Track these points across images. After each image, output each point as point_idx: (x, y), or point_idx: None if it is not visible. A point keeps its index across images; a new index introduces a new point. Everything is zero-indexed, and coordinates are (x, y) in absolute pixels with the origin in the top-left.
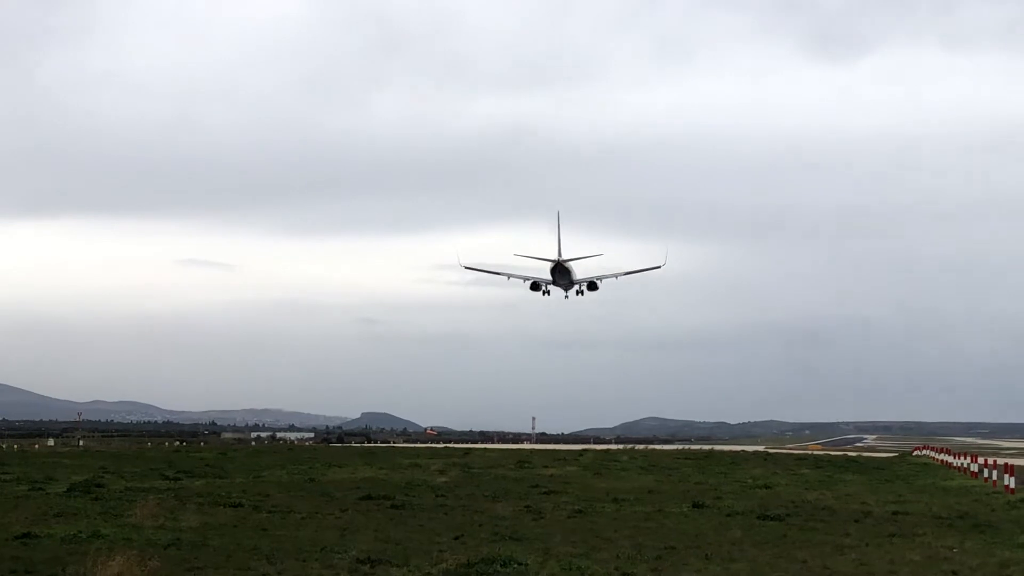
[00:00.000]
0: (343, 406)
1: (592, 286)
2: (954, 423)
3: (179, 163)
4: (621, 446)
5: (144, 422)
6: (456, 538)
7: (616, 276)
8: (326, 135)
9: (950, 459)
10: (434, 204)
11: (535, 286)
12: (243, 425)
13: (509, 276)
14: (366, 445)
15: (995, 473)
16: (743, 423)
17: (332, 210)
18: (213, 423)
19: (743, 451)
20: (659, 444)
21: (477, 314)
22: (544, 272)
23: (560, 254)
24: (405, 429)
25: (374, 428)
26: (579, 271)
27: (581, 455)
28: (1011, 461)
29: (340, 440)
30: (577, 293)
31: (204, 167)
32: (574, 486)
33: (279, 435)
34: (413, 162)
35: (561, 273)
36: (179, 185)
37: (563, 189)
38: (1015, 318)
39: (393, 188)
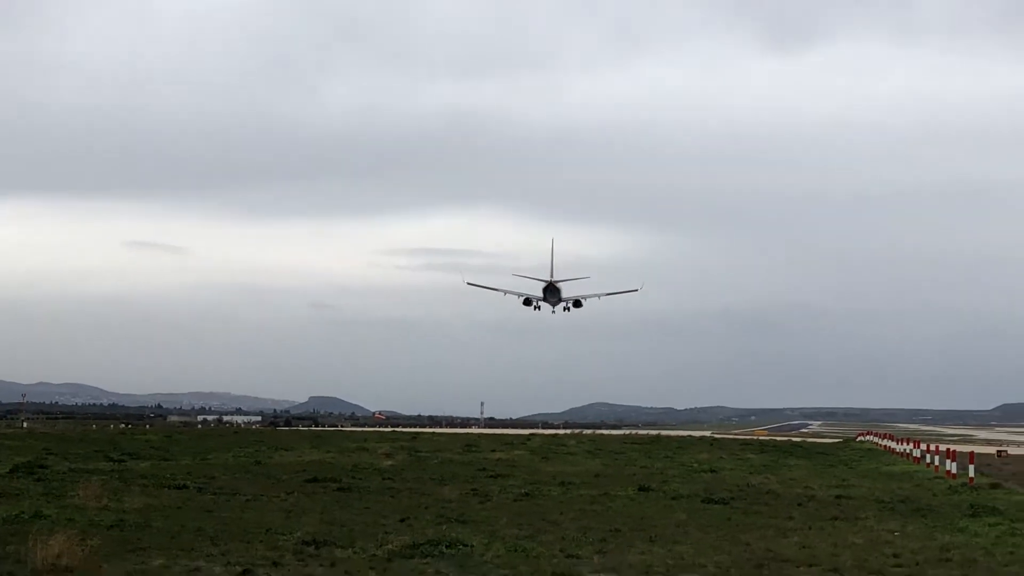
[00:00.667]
0: (291, 390)
1: (577, 304)
2: (898, 410)
3: (129, 146)
4: (569, 431)
5: (89, 404)
6: (402, 520)
7: (599, 296)
8: (278, 119)
9: (893, 445)
10: (386, 189)
11: (527, 302)
12: (189, 408)
13: (506, 293)
14: (313, 429)
15: (937, 459)
16: (690, 409)
17: (283, 194)
18: (159, 406)
19: (690, 436)
20: (606, 429)
21: (427, 299)
22: (537, 290)
23: (552, 275)
24: (353, 413)
25: (322, 412)
26: (567, 291)
27: (529, 439)
28: (953, 447)
29: (287, 424)
30: (564, 309)
31: (154, 150)
32: (521, 470)
33: (226, 418)
34: (365, 147)
35: (552, 292)
36: (128, 167)
37: (516, 175)
38: (960, 307)
39: (345, 172)
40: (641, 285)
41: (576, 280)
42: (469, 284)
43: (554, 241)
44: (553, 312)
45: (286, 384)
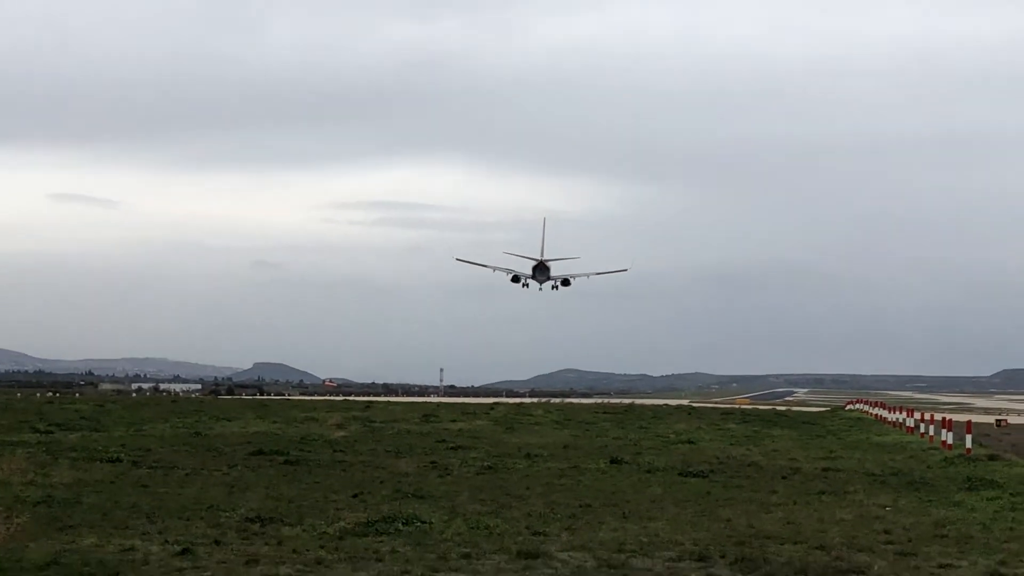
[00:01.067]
0: (233, 356)
1: (566, 282)
2: (890, 376)
3: (53, 90)
4: (535, 399)
5: (13, 372)
6: (355, 496)
7: (588, 276)
8: (217, 62)
9: (884, 413)
10: (336, 137)
11: (515, 279)
12: (123, 375)
13: (495, 269)
14: (258, 397)
15: (932, 428)
16: (666, 376)
17: (223, 143)
18: (90, 373)
19: (665, 405)
20: (576, 397)
21: (382, 257)
22: (526, 268)
23: (543, 255)
24: (301, 381)
25: (267, 380)
26: (556, 270)
27: (492, 409)
28: (949, 416)
29: (230, 392)
30: (552, 287)
31: (82, 95)
32: (484, 441)
33: (163, 386)
34: (313, 92)
35: (541, 271)
36: (53, 114)
37: (477, 122)
38: (959, 266)
39: (291, 119)
40: (630, 265)
41: (566, 260)
42: (459, 260)
43: (545, 221)
44: (540, 289)
45: (228, 349)
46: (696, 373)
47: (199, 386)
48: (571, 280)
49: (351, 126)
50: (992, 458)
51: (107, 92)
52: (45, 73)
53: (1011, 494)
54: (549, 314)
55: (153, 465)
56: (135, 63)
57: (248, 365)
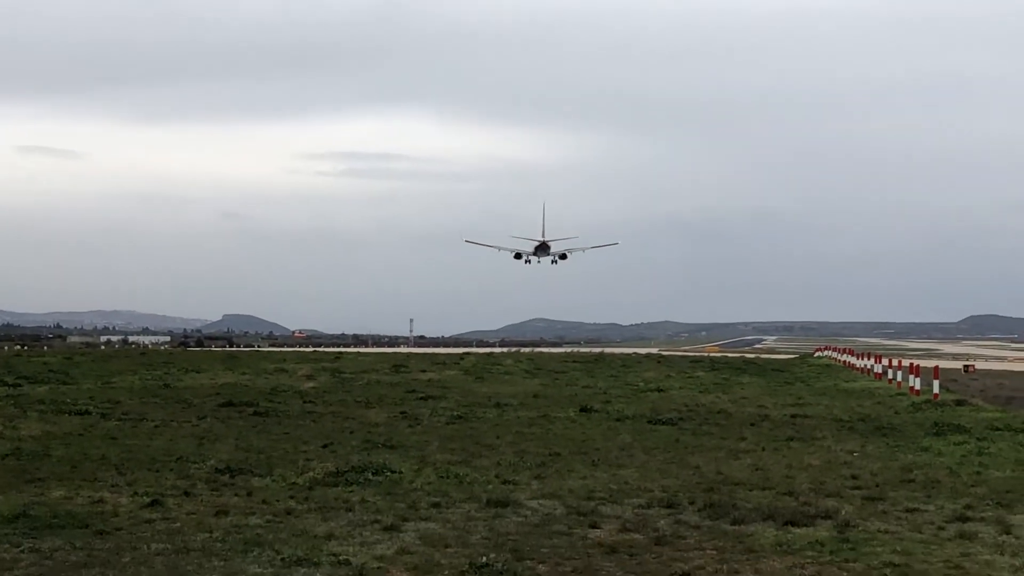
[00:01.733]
0: (203, 308)
1: (563, 256)
2: (859, 323)
3: (19, 42)
4: (505, 349)
5: None
6: (324, 446)
7: (584, 250)
8: (184, 12)
9: (853, 360)
10: (303, 88)
11: (518, 256)
12: (91, 328)
13: (500, 249)
14: (228, 349)
15: (900, 374)
16: (635, 324)
17: (191, 94)
18: (58, 326)
19: (635, 353)
20: (546, 347)
21: (351, 208)
22: (529, 247)
23: (544, 235)
24: (271, 332)
25: (237, 331)
26: (555, 247)
27: (462, 359)
28: (917, 362)
29: (199, 344)
30: (552, 262)
31: (49, 47)
32: (454, 391)
33: (132, 339)
34: (281, 41)
35: (543, 249)
36: (18, 65)
37: (447, 73)
38: (928, 212)
39: (258, 70)
40: (617, 241)
41: (564, 240)
42: (467, 242)
43: (545, 205)
44: (539, 262)
45: (197, 301)
46: (665, 322)
47: (168, 338)
48: (568, 254)
49: (318, 77)
50: (959, 403)
51: (73, 44)
52: (11, 26)
53: (978, 439)
54: (517, 265)
55: (122, 417)
56: (102, 15)
57: (217, 317)
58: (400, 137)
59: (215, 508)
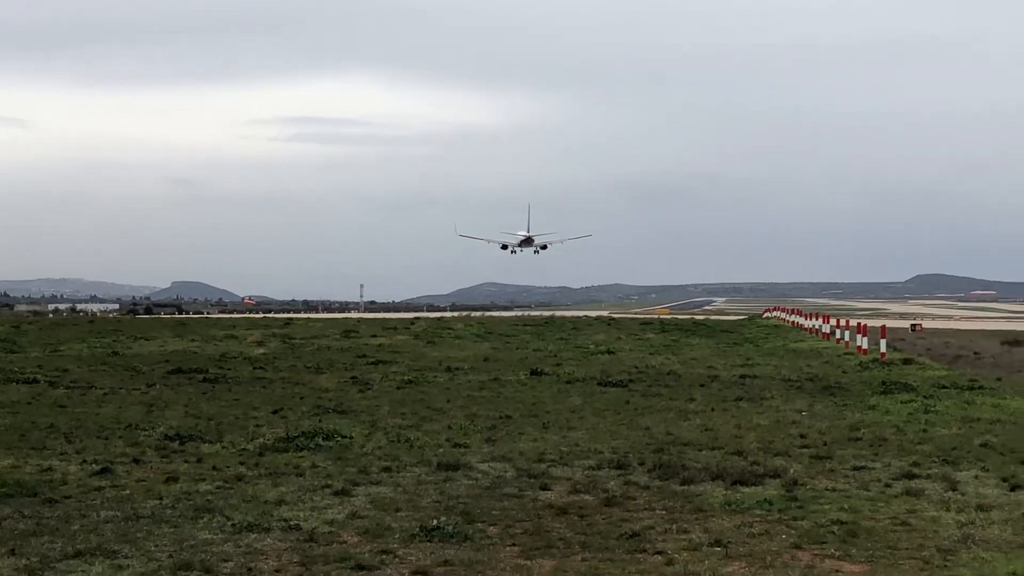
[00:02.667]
0: (152, 275)
1: (544, 247)
2: (807, 283)
3: None
4: (456, 313)
5: None
6: (275, 412)
7: (562, 241)
8: None
9: (801, 320)
10: (252, 52)
11: (504, 247)
12: (39, 296)
13: (489, 241)
14: (177, 316)
15: (847, 334)
16: (586, 287)
17: (138, 58)
18: (4, 294)
19: (585, 316)
20: (497, 311)
21: (301, 173)
22: (515, 240)
23: (529, 230)
24: (221, 299)
25: (186, 299)
26: (537, 240)
27: (413, 323)
28: (865, 322)
29: (148, 311)
30: (534, 252)
31: None
32: (404, 356)
33: (80, 307)
34: (228, 5)
35: (527, 242)
36: None
37: (395, 37)
38: (874, 173)
39: (206, 35)
40: (591, 233)
41: (546, 235)
42: (461, 236)
43: (529, 207)
44: (522, 252)
45: (146, 269)
46: (615, 284)
47: (117, 306)
48: (548, 245)
49: (267, 41)
50: (906, 362)
51: (16, 8)
52: None
53: (924, 397)
54: (467, 229)
55: (71, 385)
56: None
57: (166, 284)
58: (350, 101)
59: (165, 475)
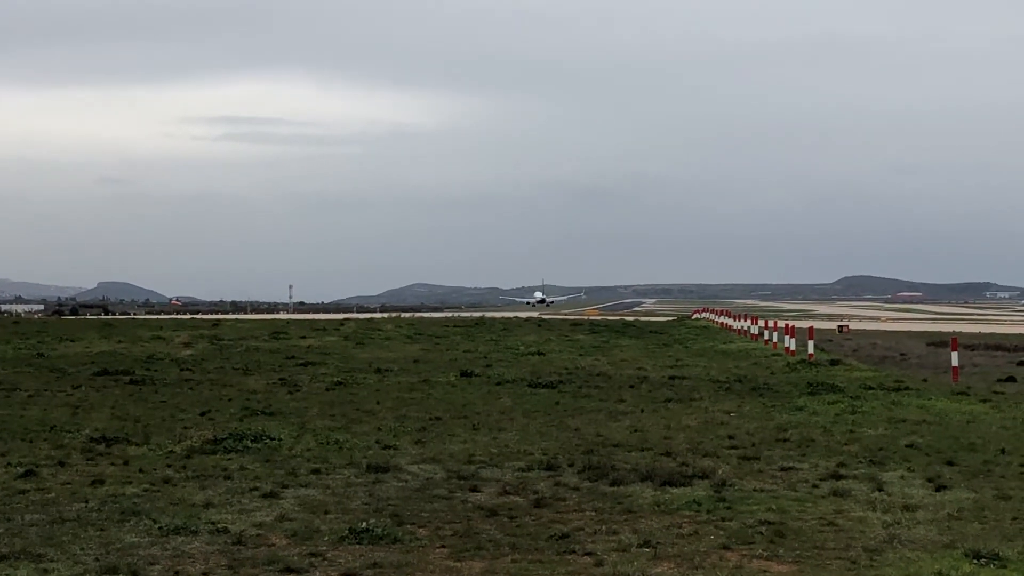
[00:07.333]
0: (77, 275)
1: (551, 303)
2: (736, 285)
3: None
4: (386, 314)
5: None
6: (203, 414)
7: (554, 300)
8: None
9: (730, 321)
10: (180, 51)
11: (528, 303)
12: None
13: (524, 301)
14: (103, 317)
15: (775, 335)
16: (516, 288)
17: (65, 56)
18: None
19: (515, 317)
20: (427, 312)
21: (229, 172)
22: (535, 299)
23: (544, 292)
24: (147, 300)
25: (112, 299)
26: (548, 300)
27: (342, 324)
28: (793, 323)
29: (73, 312)
30: (546, 306)
31: None
32: (334, 357)
33: (4, 307)
34: (154, 4)
35: (541, 302)
36: None
37: (325, 35)
38: (802, 175)
39: (134, 33)
40: (582, 294)
41: (553, 297)
42: (501, 298)
43: (543, 280)
44: (537, 307)
45: (71, 269)
46: (546, 285)
47: (42, 306)
48: (552, 302)
49: (195, 40)
50: (834, 363)
51: None
52: None
53: (851, 398)
54: (398, 230)
55: None
56: None
57: (92, 284)
58: (278, 101)
59: (91, 478)
